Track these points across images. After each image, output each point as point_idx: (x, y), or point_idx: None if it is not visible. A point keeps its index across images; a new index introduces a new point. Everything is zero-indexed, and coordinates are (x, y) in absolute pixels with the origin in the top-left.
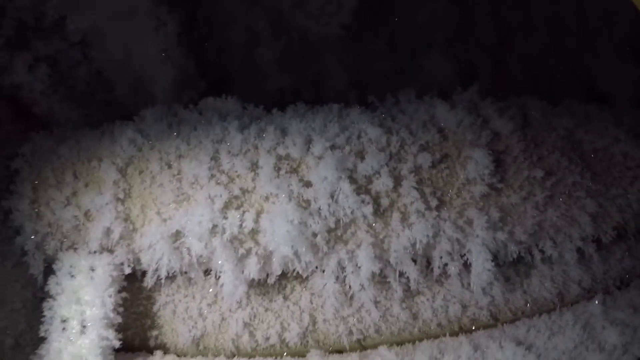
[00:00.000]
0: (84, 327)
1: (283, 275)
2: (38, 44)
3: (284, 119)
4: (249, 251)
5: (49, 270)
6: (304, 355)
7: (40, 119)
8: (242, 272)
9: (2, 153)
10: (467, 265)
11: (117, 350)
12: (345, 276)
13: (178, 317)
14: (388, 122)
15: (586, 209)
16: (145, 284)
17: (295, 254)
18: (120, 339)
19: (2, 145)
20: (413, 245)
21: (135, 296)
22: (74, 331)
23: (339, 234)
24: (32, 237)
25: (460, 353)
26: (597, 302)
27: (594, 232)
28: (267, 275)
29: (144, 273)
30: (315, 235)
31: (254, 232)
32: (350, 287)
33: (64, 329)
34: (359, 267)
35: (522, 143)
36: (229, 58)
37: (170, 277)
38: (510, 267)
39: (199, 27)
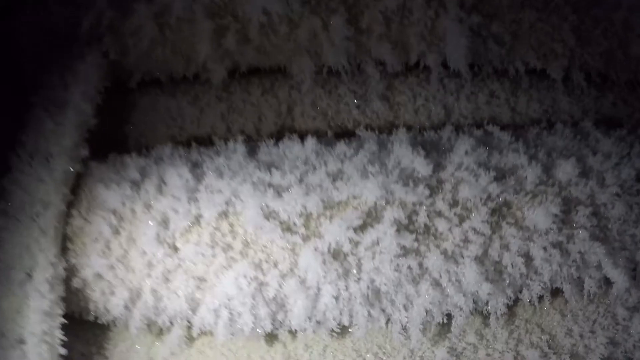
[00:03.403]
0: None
1: (264, 72)
2: None
3: None
4: (228, 25)
5: None
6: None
7: None
8: (221, 46)
9: None
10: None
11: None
12: (322, 58)
13: (159, 116)
14: None
15: (567, 19)
16: (131, 85)
17: (270, 17)
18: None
19: None
20: (384, 13)
21: (120, 103)
22: None
23: (313, 3)
24: None
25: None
26: (588, 122)
27: (578, 49)
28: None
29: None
30: None
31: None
32: (326, 69)
33: None
34: (333, 42)
35: None
36: None
37: (155, 81)
38: (494, 80)
39: None
